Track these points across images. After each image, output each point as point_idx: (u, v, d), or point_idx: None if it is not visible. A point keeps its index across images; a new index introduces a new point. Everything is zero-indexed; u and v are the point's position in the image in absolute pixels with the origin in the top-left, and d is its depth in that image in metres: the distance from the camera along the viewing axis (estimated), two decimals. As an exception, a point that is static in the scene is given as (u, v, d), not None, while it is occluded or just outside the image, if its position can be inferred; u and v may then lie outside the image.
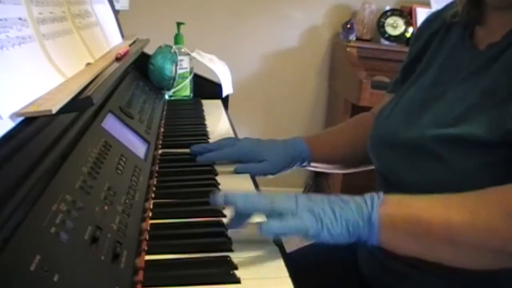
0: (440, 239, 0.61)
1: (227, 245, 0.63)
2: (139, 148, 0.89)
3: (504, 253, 0.60)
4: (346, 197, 0.64)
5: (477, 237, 0.60)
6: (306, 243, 0.90)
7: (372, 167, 0.87)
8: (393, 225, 0.62)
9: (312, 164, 0.97)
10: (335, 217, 0.61)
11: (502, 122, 0.64)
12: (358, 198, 0.64)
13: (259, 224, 0.60)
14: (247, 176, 0.89)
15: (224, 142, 0.95)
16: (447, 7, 0.85)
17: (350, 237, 0.62)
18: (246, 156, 0.92)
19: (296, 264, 0.64)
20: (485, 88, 0.68)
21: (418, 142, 0.71)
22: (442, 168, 0.67)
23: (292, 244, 1.10)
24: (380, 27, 2.47)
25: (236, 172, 0.90)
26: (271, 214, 0.62)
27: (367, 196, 0.64)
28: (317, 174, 2.69)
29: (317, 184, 2.69)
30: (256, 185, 0.87)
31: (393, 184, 0.75)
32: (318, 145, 0.97)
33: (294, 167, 0.95)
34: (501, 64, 0.68)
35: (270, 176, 0.93)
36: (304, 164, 0.96)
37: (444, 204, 0.62)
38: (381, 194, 0.64)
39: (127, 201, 0.67)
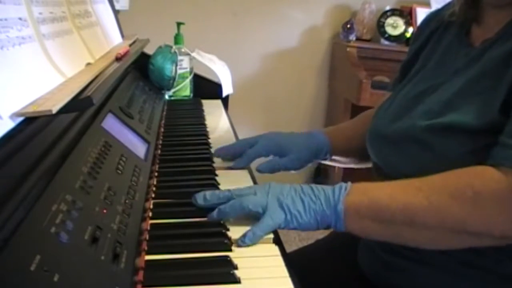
0: (400, 223, 0.65)
1: (227, 245, 0.63)
2: (139, 148, 0.89)
3: (460, 232, 0.63)
4: (317, 188, 0.70)
5: (432, 218, 0.63)
6: (305, 243, 0.91)
7: None
8: (358, 213, 0.67)
9: (333, 157, 0.98)
10: (304, 209, 0.68)
11: (488, 109, 0.66)
12: (328, 189, 0.70)
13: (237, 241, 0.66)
14: (248, 176, 0.89)
15: (244, 143, 0.95)
16: (446, 7, 0.86)
17: (318, 225, 0.68)
18: (268, 153, 0.92)
19: (296, 262, 0.64)
20: (472, 77, 0.70)
21: (410, 132, 0.73)
22: (433, 157, 0.68)
23: (292, 244, 1.10)
24: (380, 27, 2.47)
25: (258, 171, 0.90)
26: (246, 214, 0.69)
27: (336, 186, 0.70)
28: (317, 174, 2.69)
29: (318, 183, 2.69)
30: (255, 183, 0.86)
31: (388, 176, 0.76)
32: (336, 137, 0.98)
33: (315, 160, 0.96)
34: (490, 54, 0.70)
35: (293, 172, 0.93)
36: (326, 157, 0.97)
37: (404, 190, 0.66)
38: (349, 184, 0.69)
39: (127, 201, 0.67)
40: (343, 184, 0.69)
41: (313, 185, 0.71)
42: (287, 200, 0.68)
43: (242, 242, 0.65)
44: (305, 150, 0.93)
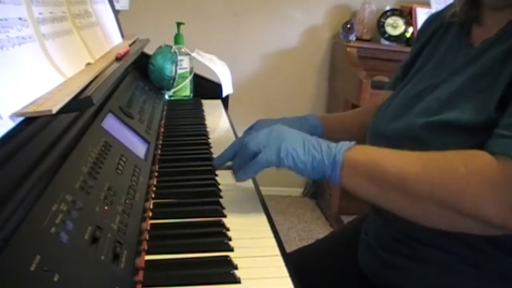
0: (392, 185, 0.67)
1: (227, 245, 0.63)
2: (139, 148, 0.89)
3: (447, 208, 0.64)
4: (321, 139, 0.73)
5: (423, 186, 0.64)
6: (305, 243, 0.91)
7: None
8: (354, 167, 0.70)
9: None
10: (304, 149, 0.71)
11: (485, 107, 0.66)
12: (331, 143, 0.72)
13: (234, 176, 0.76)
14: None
15: (237, 143, 0.91)
16: (446, 8, 0.87)
17: (313, 172, 0.71)
18: (241, 152, 0.90)
19: (296, 262, 0.64)
20: (471, 76, 0.71)
21: (409, 131, 0.74)
22: None
23: (292, 244, 1.10)
24: (380, 27, 2.47)
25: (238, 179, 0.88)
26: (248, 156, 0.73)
27: (341, 142, 0.72)
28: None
29: (317, 184, 2.69)
30: (256, 184, 0.86)
31: None
32: (330, 123, 0.99)
33: None
34: (489, 54, 0.71)
35: None
36: None
37: (403, 156, 0.68)
38: (353, 142, 0.72)
39: (127, 201, 0.67)
40: (346, 142, 0.72)
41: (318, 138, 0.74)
42: (288, 139, 0.72)
43: (236, 178, 0.75)
44: None
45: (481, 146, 0.65)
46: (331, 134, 0.97)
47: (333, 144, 0.72)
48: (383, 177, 0.67)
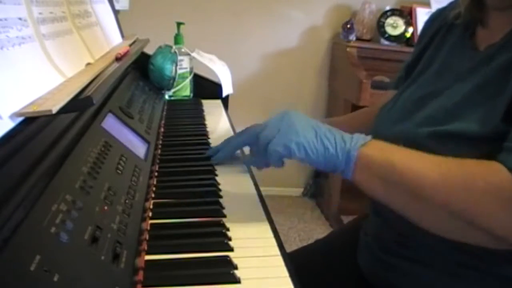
0: (407, 190, 0.64)
1: (227, 245, 0.63)
2: (139, 148, 0.89)
3: (460, 219, 0.62)
4: (335, 130, 0.70)
5: (439, 196, 0.62)
6: (305, 243, 0.90)
7: None
8: (369, 165, 0.67)
9: None
10: (317, 142, 0.68)
11: (492, 117, 0.65)
12: (346, 135, 0.70)
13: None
14: (248, 176, 0.89)
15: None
16: (449, 6, 0.85)
17: (325, 164, 0.69)
18: (254, 142, 0.90)
19: (296, 262, 0.64)
20: (476, 84, 0.70)
21: (413, 138, 0.73)
22: None
23: (292, 244, 1.10)
24: (380, 27, 2.47)
25: (245, 164, 0.89)
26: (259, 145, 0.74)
27: (356, 134, 0.69)
28: (317, 175, 2.69)
29: (317, 184, 2.69)
30: (256, 185, 0.86)
31: None
32: None
33: None
34: (494, 62, 0.70)
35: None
36: None
37: (422, 160, 0.65)
38: (370, 137, 0.69)
39: (127, 201, 0.67)
40: (364, 135, 0.69)
41: (331, 128, 0.71)
42: (299, 129, 0.70)
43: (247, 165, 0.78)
44: None
45: (487, 157, 0.63)
46: None
47: (347, 137, 0.69)
48: (399, 181, 0.65)
